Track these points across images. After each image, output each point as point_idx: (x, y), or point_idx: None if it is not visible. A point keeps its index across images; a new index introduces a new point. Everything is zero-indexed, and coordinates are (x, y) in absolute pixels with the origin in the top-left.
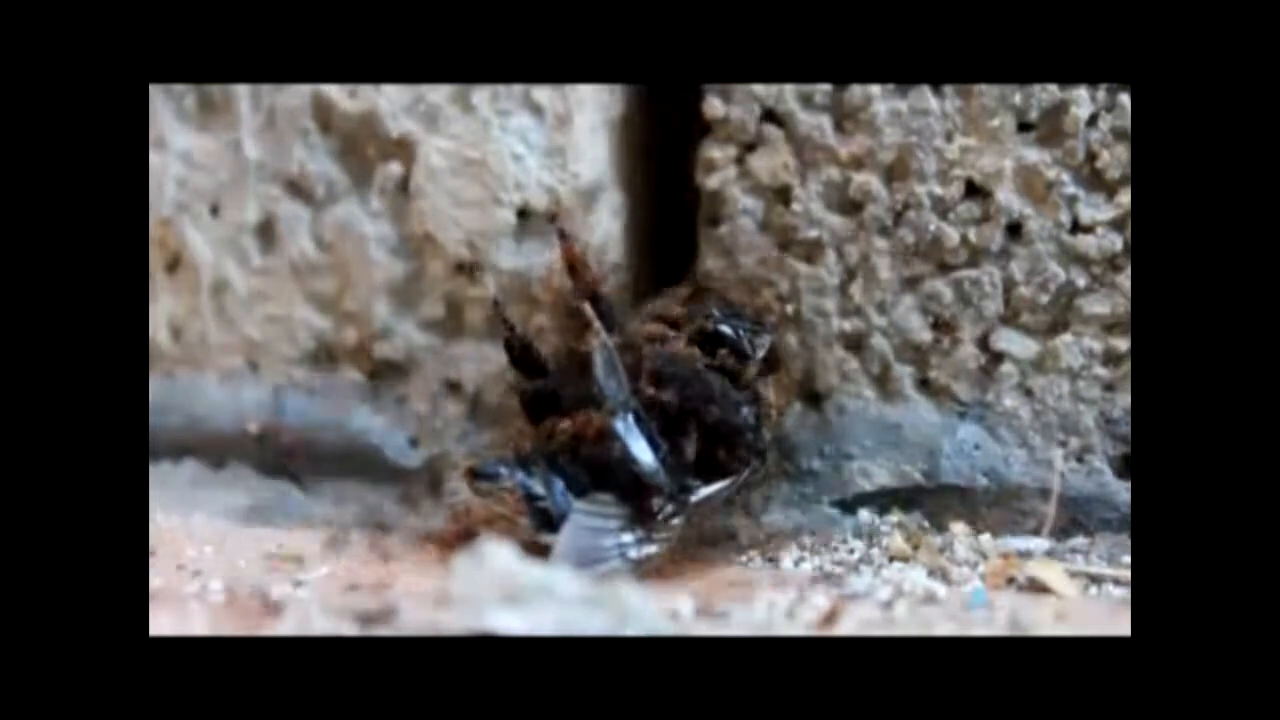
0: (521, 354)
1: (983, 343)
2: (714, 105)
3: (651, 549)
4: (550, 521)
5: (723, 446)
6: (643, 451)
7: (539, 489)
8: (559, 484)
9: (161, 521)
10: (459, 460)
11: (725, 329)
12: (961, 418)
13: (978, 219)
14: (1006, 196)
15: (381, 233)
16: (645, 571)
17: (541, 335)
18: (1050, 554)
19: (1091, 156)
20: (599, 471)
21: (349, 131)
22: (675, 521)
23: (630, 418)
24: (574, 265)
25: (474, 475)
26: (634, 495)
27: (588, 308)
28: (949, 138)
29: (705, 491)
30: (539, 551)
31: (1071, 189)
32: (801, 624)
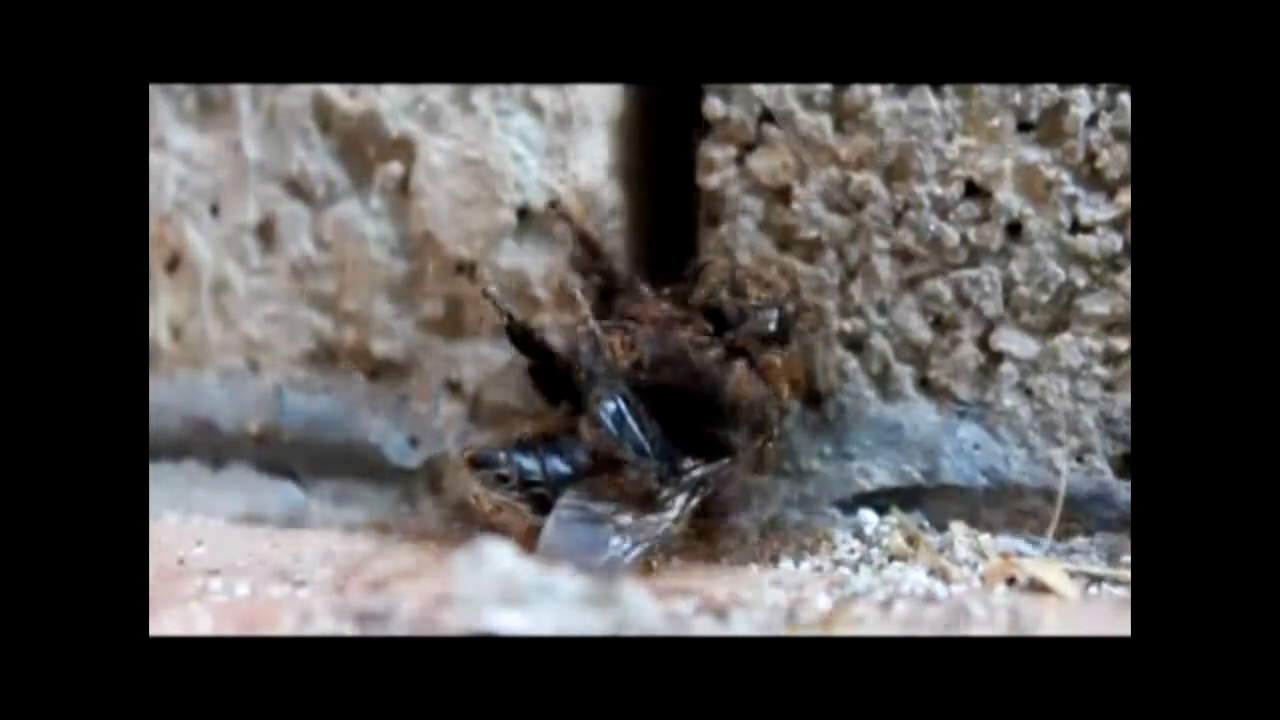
0: (523, 338)
1: (983, 343)
2: (714, 105)
3: (649, 532)
4: (548, 505)
5: (720, 424)
6: (628, 435)
7: (536, 473)
8: (555, 466)
9: (161, 521)
10: (463, 448)
11: (729, 306)
12: (961, 417)
13: (978, 219)
14: (1006, 196)
15: (381, 233)
16: (651, 552)
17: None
18: (1050, 554)
19: (1091, 156)
20: (597, 452)
21: (349, 131)
22: (677, 501)
23: (617, 401)
24: (585, 241)
25: (473, 464)
26: (626, 479)
27: (578, 292)
28: (949, 138)
29: (701, 471)
30: None
31: (1071, 189)
32: (801, 624)
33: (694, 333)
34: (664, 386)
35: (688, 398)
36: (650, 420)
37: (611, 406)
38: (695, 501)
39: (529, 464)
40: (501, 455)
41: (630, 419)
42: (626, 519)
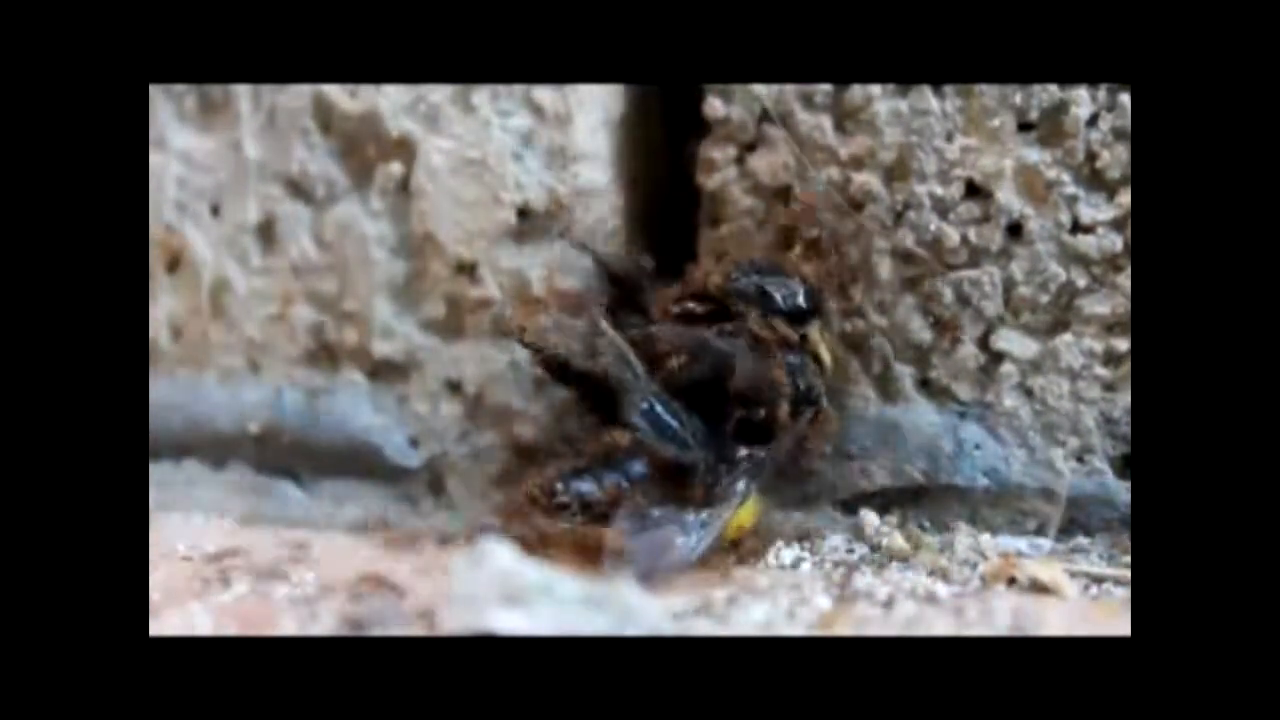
0: (561, 370)
1: (983, 343)
2: (714, 105)
3: (714, 524)
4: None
5: (757, 405)
6: (667, 432)
7: (595, 493)
8: (613, 482)
9: (162, 521)
10: (524, 481)
11: (746, 286)
12: (962, 418)
13: (978, 219)
14: (1006, 196)
15: (381, 233)
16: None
17: (543, 336)
18: (1050, 554)
19: (1091, 156)
20: (651, 459)
21: (349, 131)
22: (736, 488)
23: (650, 401)
24: (612, 274)
25: (532, 499)
26: (677, 478)
27: (596, 310)
28: (949, 138)
29: (751, 453)
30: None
31: (1071, 189)
32: (801, 624)
33: (713, 321)
34: (696, 381)
35: (720, 387)
36: (688, 414)
37: (645, 407)
38: (754, 485)
39: (586, 487)
40: (559, 485)
41: (666, 416)
42: (688, 516)
